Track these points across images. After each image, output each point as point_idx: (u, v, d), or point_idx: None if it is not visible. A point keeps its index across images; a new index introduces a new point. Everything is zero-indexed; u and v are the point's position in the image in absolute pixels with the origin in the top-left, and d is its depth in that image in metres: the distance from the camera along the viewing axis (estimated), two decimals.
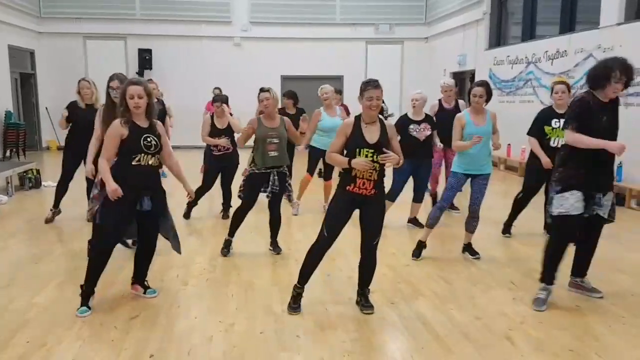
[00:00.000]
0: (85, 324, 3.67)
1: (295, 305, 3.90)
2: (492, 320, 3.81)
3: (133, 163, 3.80)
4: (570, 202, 3.85)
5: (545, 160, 5.48)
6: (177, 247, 4.26)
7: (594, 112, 3.83)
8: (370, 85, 3.66)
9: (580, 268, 4.29)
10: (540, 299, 3.99)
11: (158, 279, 4.61)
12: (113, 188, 3.71)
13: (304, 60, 15.40)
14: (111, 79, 4.76)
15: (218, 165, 6.72)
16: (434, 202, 7.17)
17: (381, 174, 3.74)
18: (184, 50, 15.14)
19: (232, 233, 5.29)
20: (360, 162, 3.61)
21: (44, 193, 8.33)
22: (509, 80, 11.35)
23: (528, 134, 5.77)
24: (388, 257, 5.26)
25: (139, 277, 4.24)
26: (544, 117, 5.64)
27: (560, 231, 3.98)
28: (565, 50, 9.47)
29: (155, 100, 7.39)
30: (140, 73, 14.94)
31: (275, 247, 5.40)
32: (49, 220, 6.55)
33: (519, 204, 5.98)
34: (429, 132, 6.15)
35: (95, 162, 4.63)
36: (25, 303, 4.04)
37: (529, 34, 11.13)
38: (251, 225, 5.86)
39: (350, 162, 3.63)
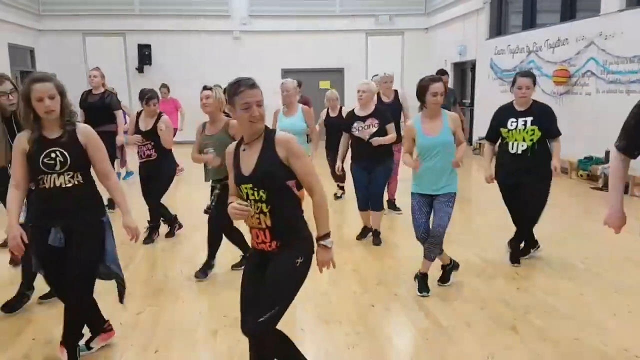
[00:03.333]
0: None
1: None
2: (495, 310, 3.81)
3: (40, 186, 2.94)
4: None
5: (486, 174, 4.71)
6: (120, 293, 3.28)
7: None
8: (244, 85, 2.43)
9: None
10: None
11: (162, 275, 4.62)
12: (12, 235, 2.88)
13: (305, 53, 15.34)
14: None
15: (142, 176, 5.63)
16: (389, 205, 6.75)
17: (279, 212, 2.45)
18: (184, 45, 15.09)
19: (243, 250, 4.67)
20: (231, 208, 2.44)
21: None
22: (510, 70, 11.28)
23: (485, 138, 4.95)
24: (391, 249, 5.26)
25: (64, 337, 3.11)
26: (499, 116, 4.69)
27: None
28: (567, 39, 9.41)
29: (103, 90, 6.72)
30: (140, 69, 14.94)
31: (201, 273, 4.55)
32: None
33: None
34: (374, 129, 5.14)
35: None
36: (29, 301, 4.05)
37: (529, 23, 11.06)
38: None
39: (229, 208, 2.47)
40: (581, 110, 8.91)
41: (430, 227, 4.04)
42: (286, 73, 15.25)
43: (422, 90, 3.94)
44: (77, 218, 2.95)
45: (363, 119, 5.20)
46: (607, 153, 8.23)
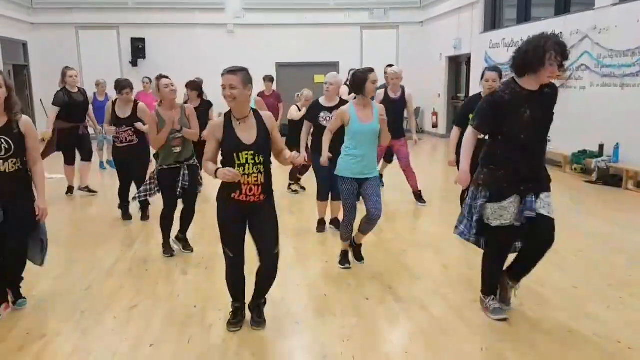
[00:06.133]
0: (84, 315, 3.68)
1: (235, 320, 3.47)
2: None
3: None
4: (511, 212, 3.37)
5: (450, 158, 5.27)
6: (38, 259, 3.81)
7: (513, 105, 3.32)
8: (224, 71, 3.15)
9: (516, 273, 3.64)
10: (498, 309, 3.57)
11: (157, 269, 4.62)
12: None
13: (299, 47, 15.29)
14: None
15: (123, 159, 6.10)
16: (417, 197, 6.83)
17: (268, 176, 3.29)
18: (178, 38, 15.01)
19: (166, 238, 4.97)
20: (225, 172, 3.09)
21: None
22: (504, 64, 11.24)
23: (453, 123, 5.48)
24: (386, 243, 5.27)
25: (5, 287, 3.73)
26: (471, 104, 4.90)
27: (500, 244, 3.51)
28: (561, 32, 9.41)
29: (76, 90, 7.22)
30: (134, 62, 14.85)
31: (185, 245, 5.04)
32: None
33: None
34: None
35: None
36: (24, 295, 4.04)
37: (524, 17, 11.07)
38: None
39: (216, 173, 3.12)
40: (575, 103, 8.93)
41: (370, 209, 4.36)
42: (280, 67, 15.25)
43: (361, 81, 4.28)
44: (15, 199, 3.49)
45: (330, 109, 5.36)
46: (601, 147, 8.26)
